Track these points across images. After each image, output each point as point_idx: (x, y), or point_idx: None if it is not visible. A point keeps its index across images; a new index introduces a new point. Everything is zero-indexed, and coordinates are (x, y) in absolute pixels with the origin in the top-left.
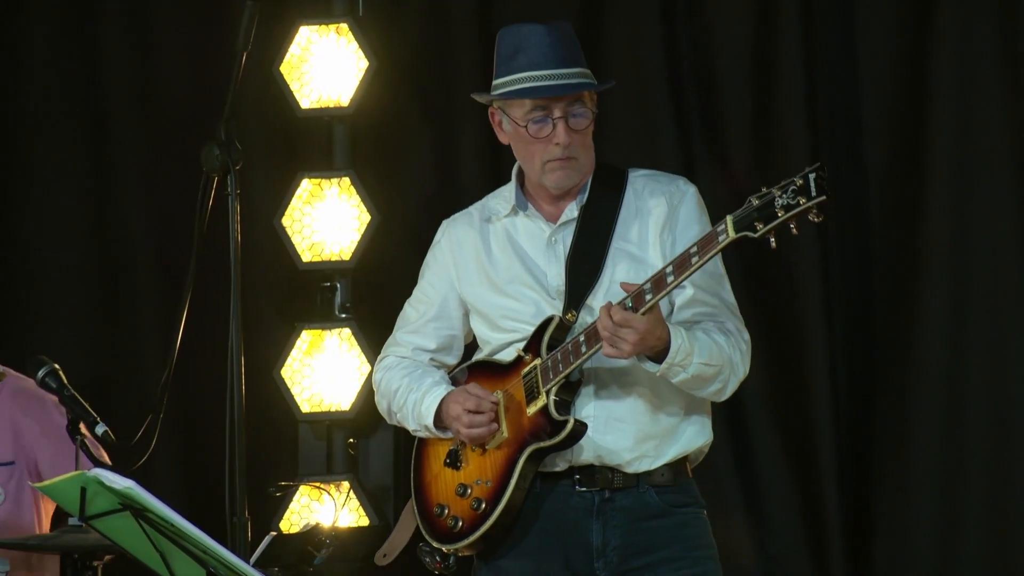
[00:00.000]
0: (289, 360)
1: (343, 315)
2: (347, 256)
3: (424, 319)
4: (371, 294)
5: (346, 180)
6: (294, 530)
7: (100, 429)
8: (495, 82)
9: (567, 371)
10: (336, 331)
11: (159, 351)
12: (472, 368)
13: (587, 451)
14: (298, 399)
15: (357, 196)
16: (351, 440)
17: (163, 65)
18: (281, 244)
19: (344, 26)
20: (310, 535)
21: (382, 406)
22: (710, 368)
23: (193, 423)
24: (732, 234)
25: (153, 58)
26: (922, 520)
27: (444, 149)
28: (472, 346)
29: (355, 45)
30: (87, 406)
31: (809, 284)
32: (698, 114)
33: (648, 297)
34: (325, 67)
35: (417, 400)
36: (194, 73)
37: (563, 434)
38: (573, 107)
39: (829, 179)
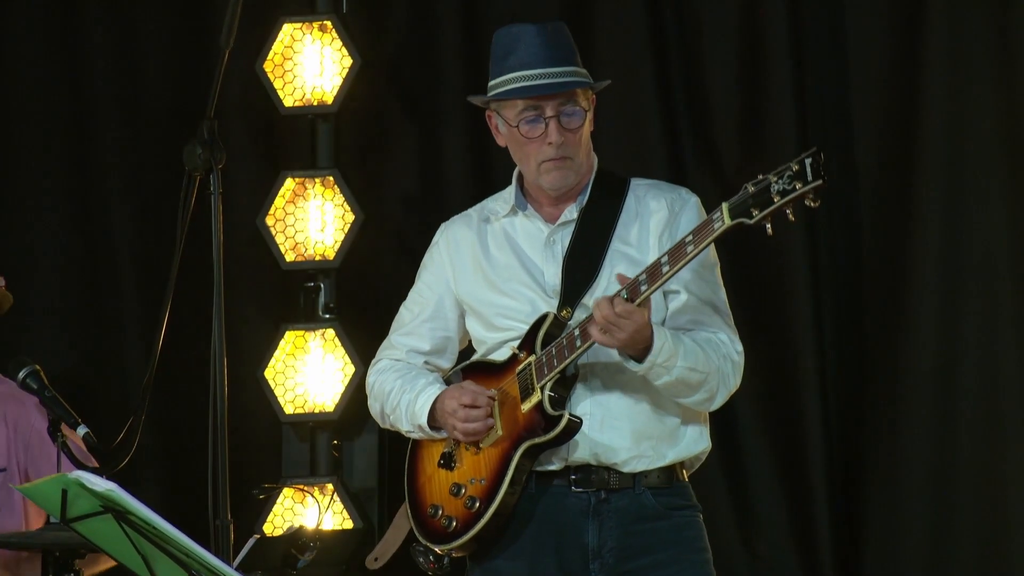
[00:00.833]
0: (272, 361)
1: (327, 315)
2: (331, 256)
3: (419, 320)
4: (355, 294)
5: (330, 179)
6: (278, 533)
7: (82, 430)
8: (489, 84)
9: (561, 366)
10: (320, 332)
11: (141, 352)
12: (467, 369)
13: (583, 449)
14: (282, 400)
15: (341, 195)
16: (335, 442)
17: (145, 63)
18: (264, 244)
19: (328, 23)
20: (294, 538)
21: (375, 409)
22: (696, 374)
23: (176, 424)
24: (728, 221)
25: (135, 57)
26: (912, 524)
27: (429, 148)
28: (467, 352)
29: (339, 43)
30: (68, 407)
31: (799, 286)
32: (686, 113)
33: (644, 288)
34: (308, 65)
35: (411, 400)
36: (176, 71)
37: (557, 429)
38: (565, 106)
39: (825, 164)
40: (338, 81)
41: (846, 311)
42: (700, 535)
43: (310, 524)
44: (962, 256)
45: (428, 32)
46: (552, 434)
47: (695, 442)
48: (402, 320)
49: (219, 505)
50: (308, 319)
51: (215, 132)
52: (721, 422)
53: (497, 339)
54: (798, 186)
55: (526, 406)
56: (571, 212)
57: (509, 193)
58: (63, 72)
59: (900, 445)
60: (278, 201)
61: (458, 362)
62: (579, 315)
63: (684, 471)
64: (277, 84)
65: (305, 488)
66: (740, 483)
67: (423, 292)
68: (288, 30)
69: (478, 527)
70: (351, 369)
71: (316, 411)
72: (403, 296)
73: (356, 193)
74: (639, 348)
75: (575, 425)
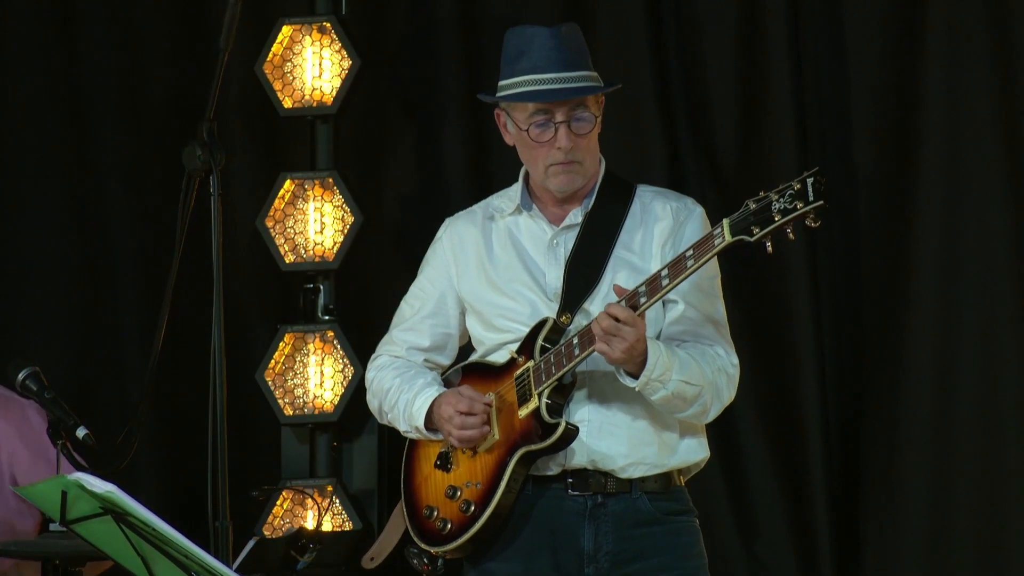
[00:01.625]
0: (272, 362)
1: (326, 317)
2: (330, 257)
3: (420, 315)
4: (355, 295)
5: (329, 180)
6: (277, 534)
7: (81, 432)
8: (500, 83)
9: (559, 374)
10: (319, 333)
11: (141, 353)
12: (466, 369)
13: (580, 455)
14: (281, 402)
15: (340, 197)
16: (335, 443)
17: (145, 64)
18: (264, 245)
19: (327, 24)
20: (293, 539)
21: (373, 405)
22: (691, 387)
23: (175, 426)
24: (728, 237)
25: (135, 57)
26: (911, 526)
27: (428, 149)
28: (467, 349)
29: (338, 44)
30: (68, 408)
31: (798, 290)
32: (685, 118)
33: (643, 300)
34: (308, 66)
35: (408, 400)
36: (176, 72)
37: (554, 437)
38: (576, 111)
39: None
40: (337, 82)
41: (845, 311)
42: (695, 540)
43: (309, 525)
44: (962, 256)
45: (428, 33)
46: (548, 441)
47: (694, 451)
48: (403, 315)
49: (219, 506)
50: (307, 320)
51: (215, 133)
52: (720, 423)
53: (496, 340)
54: (799, 206)
55: (523, 412)
56: (576, 215)
57: (515, 191)
58: (63, 72)
59: (899, 446)
60: (277, 202)
61: (458, 360)
62: (579, 321)
63: (681, 477)
64: (276, 85)
65: (304, 489)
66: (739, 484)
67: (425, 287)
68: (287, 31)
69: (472, 531)
70: (350, 371)
71: (315, 412)
72: (402, 297)
73: (355, 194)
74: (636, 362)
75: (572, 433)
